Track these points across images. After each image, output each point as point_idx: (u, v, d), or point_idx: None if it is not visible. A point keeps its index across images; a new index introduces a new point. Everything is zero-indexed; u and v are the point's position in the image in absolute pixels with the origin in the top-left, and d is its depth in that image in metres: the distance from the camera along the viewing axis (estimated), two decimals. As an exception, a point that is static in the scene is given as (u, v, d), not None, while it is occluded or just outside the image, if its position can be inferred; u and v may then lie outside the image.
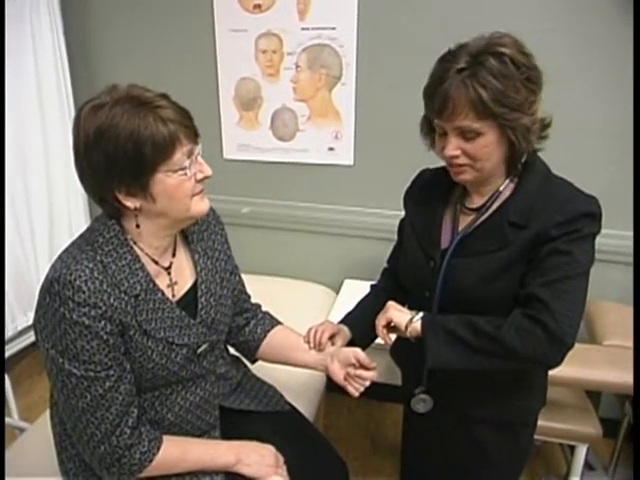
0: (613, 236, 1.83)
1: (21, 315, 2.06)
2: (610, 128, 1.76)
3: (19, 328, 2.05)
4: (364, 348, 1.24)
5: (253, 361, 1.33)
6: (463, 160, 1.01)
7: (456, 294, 1.07)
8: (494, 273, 1.02)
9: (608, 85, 1.72)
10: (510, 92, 0.92)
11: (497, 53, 0.93)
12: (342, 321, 1.31)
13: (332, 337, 1.27)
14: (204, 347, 1.09)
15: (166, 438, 1.03)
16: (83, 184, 0.97)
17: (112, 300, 0.93)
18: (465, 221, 1.10)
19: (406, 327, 1.06)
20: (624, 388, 1.43)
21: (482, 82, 0.92)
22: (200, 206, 1.00)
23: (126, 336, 0.97)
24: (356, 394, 1.18)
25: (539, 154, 1.07)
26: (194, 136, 0.96)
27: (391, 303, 1.12)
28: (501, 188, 1.06)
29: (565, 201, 1.00)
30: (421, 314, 1.06)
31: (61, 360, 0.92)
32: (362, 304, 1.35)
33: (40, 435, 1.31)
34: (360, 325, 1.28)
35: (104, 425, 0.95)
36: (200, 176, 0.97)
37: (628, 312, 1.74)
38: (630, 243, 1.81)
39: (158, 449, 1.00)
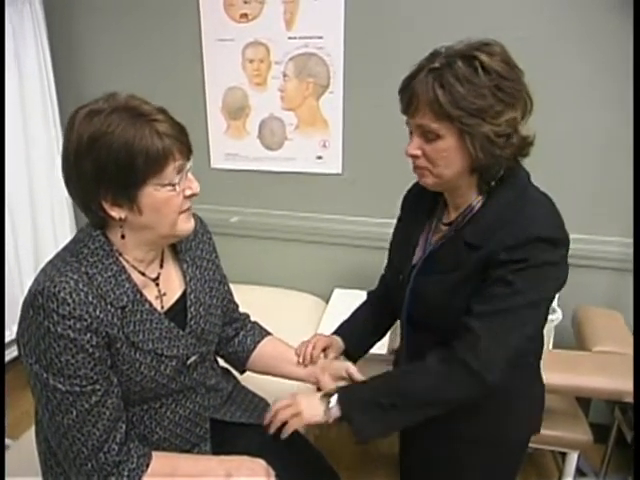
0: (600, 242, 1.85)
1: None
2: (599, 135, 1.78)
3: (2, 342, 2.02)
4: (358, 358, 1.23)
5: (242, 372, 1.32)
6: (423, 162, 0.99)
7: (422, 309, 1.07)
8: (450, 293, 1.01)
9: (602, 88, 1.73)
10: (471, 96, 0.90)
11: (469, 57, 0.91)
12: (336, 331, 1.30)
13: (325, 350, 1.25)
14: (194, 358, 1.07)
15: (155, 454, 1.01)
16: (68, 189, 0.95)
17: (98, 312, 0.91)
18: (438, 236, 1.09)
19: (326, 417, 1.02)
20: (615, 394, 1.43)
21: (443, 83, 0.91)
22: (185, 225, 0.99)
23: (113, 349, 0.94)
24: None
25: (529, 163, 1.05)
26: (187, 152, 0.95)
27: (299, 400, 1.06)
28: (474, 203, 1.02)
29: (525, 222, 0.94)
30: (335, 398, 1.02)
31: (45, 375, 0.90)
32: (357, 313, 1.33)
33: (24, 452, 1.27)
34: (354, 335, 1.27)
35: (91, 441, 0.92)
36: (188, 192, 0.97)
37: (617, 318, 1.75)
38: (616, 249, 1.83)
39: (147, 466, 0.97)
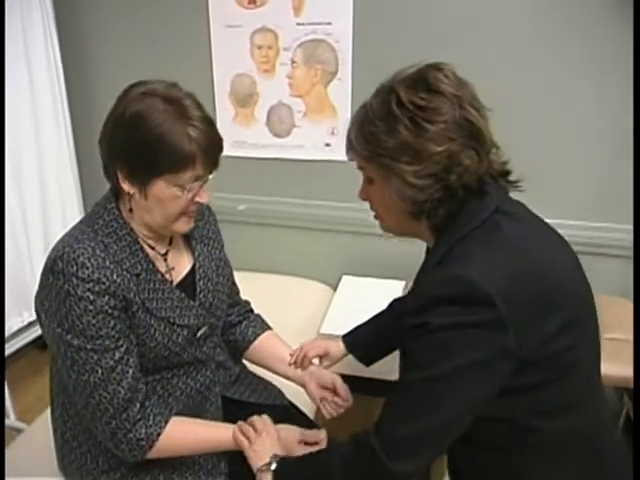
0: (612, 229, 1.83)
1: (15, 316, 2.03)
2: (607, 123, 1.76)
3: (13, 329, 2.03)
4: (372, 362, 1.22)
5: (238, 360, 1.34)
6: (371, 207, 0.93)
7: None
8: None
9: (604, 82, 1.72)
10: (382, 135, 0.80)
11: (388, 90, 0.82)
12: (349, 333, 1.27)
13: (321, 357, 1.26)
14: (204, 330, 1.10)
15: (175, 418, 1.04)
16: (99, 146, 1.00)
17: (115, 276, 0.95)
18: None
19: (258, 473, 0.98)
20: (624, 381, 1.43)
21: (359, 121, 0.85)
22: (182, 226, 1.03)
23: (129, 312, 0.98)
24: (328, 417, 1.19)
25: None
26: (211, 166, 0.98)
27: (262, 437, 1.02)
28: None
29: (437, 279, 0.80)
30: (273, 467, 0.96)
31: (69, 336, 0.93)
32: (375, 319, 1.27)
33: (38, 435, 1.29)
34: (367, 343, 1.23)
35: (117, 399, 0.96)
36: (197, 199, 0.99)
37: (628, 305, 1.75)
38: (627, 236, 1.81)
39: (166, 422, 1.01)
